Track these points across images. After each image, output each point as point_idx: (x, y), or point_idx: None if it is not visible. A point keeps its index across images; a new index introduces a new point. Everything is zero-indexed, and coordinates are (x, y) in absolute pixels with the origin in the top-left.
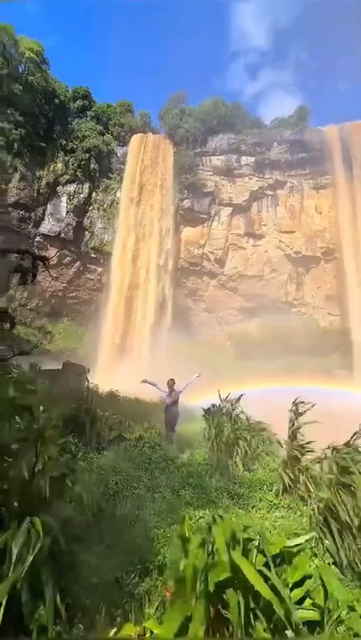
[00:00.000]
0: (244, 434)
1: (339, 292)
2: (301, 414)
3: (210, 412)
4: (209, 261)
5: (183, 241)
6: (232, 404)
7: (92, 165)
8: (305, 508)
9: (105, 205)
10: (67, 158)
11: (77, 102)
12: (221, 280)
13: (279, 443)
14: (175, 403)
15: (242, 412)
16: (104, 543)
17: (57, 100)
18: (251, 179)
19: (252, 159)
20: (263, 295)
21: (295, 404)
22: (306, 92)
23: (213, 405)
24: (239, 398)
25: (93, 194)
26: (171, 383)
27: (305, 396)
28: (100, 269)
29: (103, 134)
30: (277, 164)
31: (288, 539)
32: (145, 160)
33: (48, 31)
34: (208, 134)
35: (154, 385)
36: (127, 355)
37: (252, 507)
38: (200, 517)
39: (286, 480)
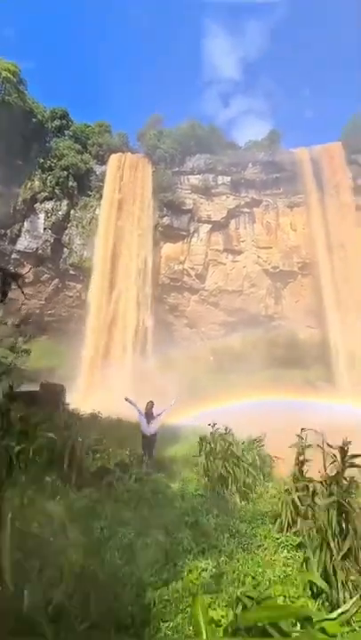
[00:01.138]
0: (240, 462)
1: (316, 306)
2: (309, 446)
3: (204, 440)
4: (189, 277)
5: (163, 257)
6: (226, 430)
7: (70, 183)
8: (314, 542)
9: (84, 222)
10: (44, 176)
11: (55, 122)
12: (202, 295)
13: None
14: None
15: (230, 435)
16: (88, 620)
17: (34, 120)
18: (228, 197)
19: (228, 179)
20: (244, 309)
21: (300, 435)
22: (275, 118)
23: (211, 433)
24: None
25: (72, 211)
26: (150, 406)
27: (290, 409)
28: (79, 286)
29: (82, 153)
30: (253, 184)
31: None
32: (124, 178)
33: (26, 55)
34: (185, 154)
35: (134, 405)
36: (108, 373)
37: (257, 546)
38: (202, 569)
39: (289, 515)
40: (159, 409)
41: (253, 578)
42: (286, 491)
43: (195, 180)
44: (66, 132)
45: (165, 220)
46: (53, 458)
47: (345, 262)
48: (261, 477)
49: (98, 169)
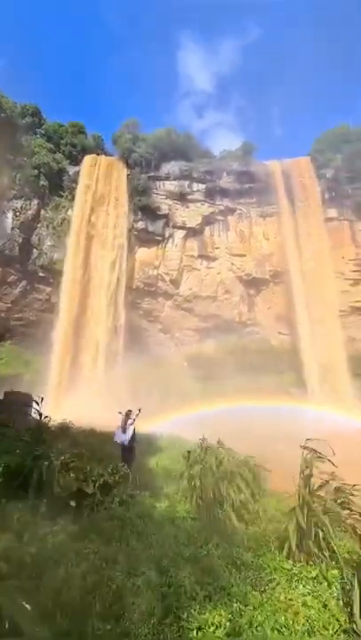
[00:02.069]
0: (234, 479)
1: (287, 313)
2: (321, 457)
3: (192, 454)
4: (164, 282)
5: (138, 261)
6: (219, 444)
7: (41, 182)
8: (330, 572)
9: (55, 223)
10: (13, 173)
11: (26, 119)
12: (177, 301)
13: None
14: (132, 438)
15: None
16: None
17: (3, 115)
18: (203, 204)
19: (203, 186)
20: (218, 315)
21: (305, 447)
22: (246, 133)
23: (201, 447)
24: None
25: (42, 211)
26: (128, 414)
27: (266, 415)
28: (48, 289)
29: (54, 152)
30: (227, 192)
31: None
32: (98, 180)
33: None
34: (161, 160)
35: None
36: (79, 380)
37: (268, 581)
38: (215, 625)
39: (296, 539)
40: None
41: (279, 632)
42: (292, 510)
43: (170, 185)
44: (37, 130)
45: (140, 225)
46: (21, 482)
47: (315, 272)
48: (256, 494)
49: (71, 169)
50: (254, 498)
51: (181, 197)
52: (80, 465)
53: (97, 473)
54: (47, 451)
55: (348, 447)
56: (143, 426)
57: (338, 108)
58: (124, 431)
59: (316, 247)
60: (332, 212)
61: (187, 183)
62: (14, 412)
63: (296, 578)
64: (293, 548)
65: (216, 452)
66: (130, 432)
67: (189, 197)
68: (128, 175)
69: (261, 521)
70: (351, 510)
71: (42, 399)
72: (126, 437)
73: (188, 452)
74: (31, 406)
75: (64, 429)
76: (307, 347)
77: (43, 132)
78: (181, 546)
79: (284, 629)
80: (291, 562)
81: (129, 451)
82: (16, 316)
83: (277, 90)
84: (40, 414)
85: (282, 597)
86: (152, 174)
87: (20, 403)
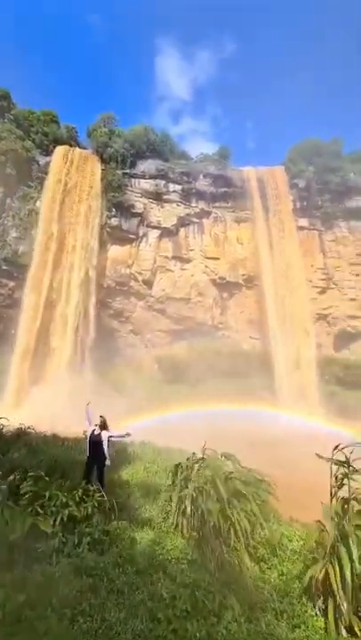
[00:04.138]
0: (243, 502)
1: (259, 317)
2: (356, 470)
3: (180, 468)
4: (137, 282)
5: (110, 259)
6: (223, 456)
7: (7, 170)
8: None
9: (22, 214)
10: None
11: None
12: (149, 302)
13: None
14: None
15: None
16: None
17: None
18: (178, 205)
19: (180, 187)
20: (190, 318)
21: (338, 461)
22: (221, 142)
23: (193, 460)
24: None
25: (8, 200)
26: (102, 421)
27: (237, 419)
28: (12, 283)
29: (23, 139)
30: (203, 195)
31: None
32: (70, 173)
33: None
34: (137, 158)
35: (89, 418)
36: (43, 381)
37: None
38: None
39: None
40: (112, 431)
41: None
42: (319, 545)
43: (146, 184)
44: (6, 114)
45: (114, 221)
46: None
47: (286, 278)
48: (266, 521)
49: (41, 159)
50: (263, 524)
51: (157, 197)
52: (36, 489)
53: (60, 502)
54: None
55: (318, 451)
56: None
57: (312, 122)
58: (98, 445)
59: (287, 254)
60: (303, 222)
61: (163, 183)
62: None
63: None
64: (344, 610)
65: (214, 465)
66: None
67: (165, 197)
68: (102, 170)
69: (281, 560)
70: None
71: None
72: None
73: (178, 465)
74: None
75: (21, 435)
76: (277, 351)
77: (12, 117)
78: (183, 619)
79: None
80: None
81: (103, 463)
82: None
83: (252, 102)
84: None
85: None
86: (127, 171)
87: None
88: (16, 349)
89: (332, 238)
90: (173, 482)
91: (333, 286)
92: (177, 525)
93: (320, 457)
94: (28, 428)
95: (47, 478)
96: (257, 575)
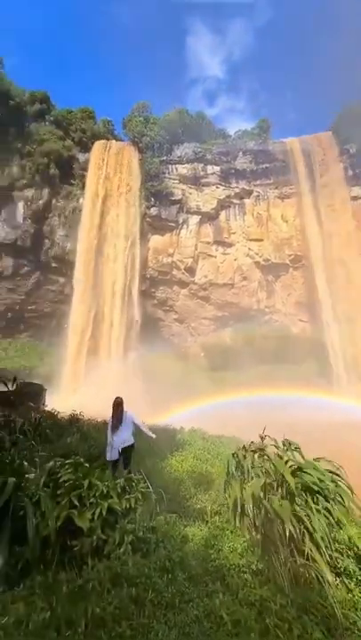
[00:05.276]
0: (318, 501)
1: (308, 299)
2: None
3: (237, 457)
4: (179, 270)
5: (151, 249)
6: (286, 445)
7: (51, 170)
8: None
9: (67, 212)
10: (23, 162)
11: (35, 106)
12: (192, 289)
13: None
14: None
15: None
16: None
17: (12, 102)
18: (218, 187)
19: (218, 168)
20: (235, 303)
21: None
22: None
23: (256, 448)
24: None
25: (54, 200)
26: (119, 401)
27: (289, 406)
28: (62, 280)
29: (64, 139)
30: (243, 174)
31: None
32: (109, 166)
33: (10, 49)
34: (173, 143)
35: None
36: (94, 372)
37: None
38: None
39: None
40: (132, 415)
41: None
42: None
43: (183, 169)
44: (47, 116)
45: (153, 211)
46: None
47: (337, 254)
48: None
49: (81, 157)
50: (342, 529)
51: (195, 181)
52: (74, 477)
53: (100, 492)
54: (34, 450)
55: None
56: (159, 418)
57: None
58: (115, 430)
59: (339, 228)
60: (357, 190)
61: (200, 166)
62: (25, 404)
63: None
64: None
65: (276, 455)
66: (124, 433)
67: (203, 181)
68: (140, 160)
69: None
70: None
71: (45, 390)
72: (124, 439)
73: (234, 453)
74: (43, 397)
75: (73, 421)
76: (331, 334)
77: (52, 118)
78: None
79: None
80: None
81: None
82: (30, 307)
83: (291, 69)
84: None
85: None
86: (164, 158)
87: (31, 394)
88: (68, 342)
89: None
90: (228, 472)
91: None
92: (231, 522)
93: None
94: (79, 414)
95: (87, 465)
96: (343, 596)
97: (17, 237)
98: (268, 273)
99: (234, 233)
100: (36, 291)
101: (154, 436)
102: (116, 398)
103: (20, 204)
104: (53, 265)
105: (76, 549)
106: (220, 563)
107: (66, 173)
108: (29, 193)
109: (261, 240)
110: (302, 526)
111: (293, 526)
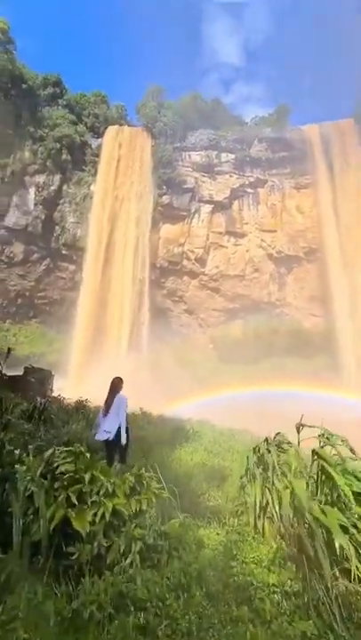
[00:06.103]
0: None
1: (322, 293)
2: None
3: (258, 452)
4: (189, 260)
5: (162, 239)
6: (325, 436)
7: (63, 156)
8: None
9: (78, 199)
10: (35, 147)
11: (48, 89)
12: (202, 280)
13: None
14: (127, 430)
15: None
16: None
17: (25, 86)
18: (231, 176)
19: (233, 156)
20: (246, 296)
21: None
22: (276, 107)
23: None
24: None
25: (65, 186)
26: (115, 382)
27: (296, 401)
28: (72, 267)
29: (76, 124)
30: (258, 162)
31: None
32: (121, 152)
33: (22, 33)
34: (187, 129)
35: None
36: (102, 360)
37: None
38: None
39: None
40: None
41: None
42: None
43: (197, 156)
44: (59, 100)
45: (165, 199)
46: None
47: (354, 247)
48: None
49: (93, 142)
50: None
51: (208, 169)
52: (74, 468)
53: (104, 490)
54: (34, 436)
55: None
56: (167, 409)
57: None
58: (106, 415)
59: (358, 220)
60: None
61: (214, 153)
62: (32, 389)
63: None
64: None
65: (322, 455)
66: (114, 420)
67: (217, 169)
68: (152, 146)
69: None
70: None
71: (53, 376)
72: (109, 428)
73: (256, 447)
74: (50, 383)
75: (80, 408)
76: (344, 329)
77: (65, 102)
78: None
79: None
80: None
81: (118, 451)
82: (40, 294)
83: (310, 53)
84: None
85: None
86: (178, 145)
87: (39, 379)
88: (77, 330)
89: None
90: (248, 468)
91: None
92: (256, 526)
93: None
94: (85, 401)
95: (88, 455)
96: None
97: (28, 223)
98: (280, 265)
99: (246, 223)
100: (46, 277)
101: (124, 440)
102: (114, 379)
103: (32, 190)
104: (64, 252)
105: (72, 558)
106: (245, 579)
107: (78, 159)
108: (41, 179)
109: (275, 231)
110: (352, 540)
111: (337, 538)
